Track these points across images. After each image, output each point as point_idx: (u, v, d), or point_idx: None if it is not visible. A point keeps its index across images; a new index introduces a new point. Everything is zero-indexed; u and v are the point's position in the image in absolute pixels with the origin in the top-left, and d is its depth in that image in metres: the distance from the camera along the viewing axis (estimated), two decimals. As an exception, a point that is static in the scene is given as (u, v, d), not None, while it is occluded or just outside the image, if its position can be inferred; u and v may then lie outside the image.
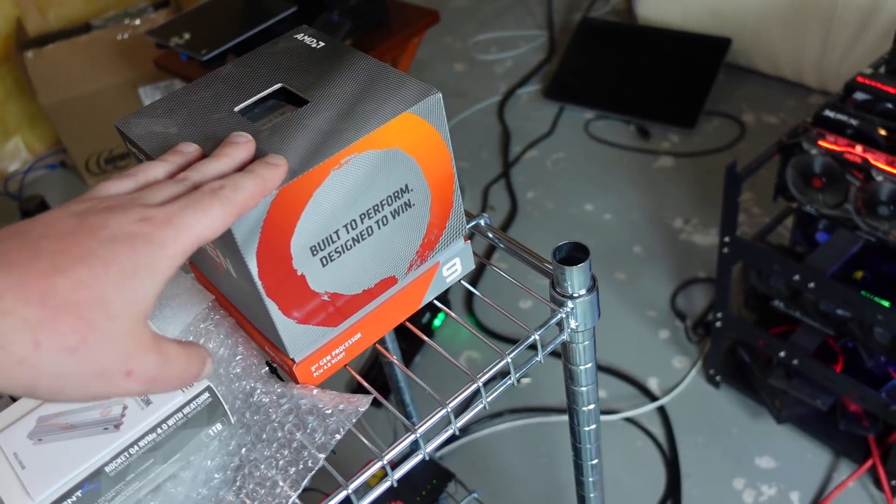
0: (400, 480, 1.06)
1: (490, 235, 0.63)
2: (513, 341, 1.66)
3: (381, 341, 0.69)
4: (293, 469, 0.46)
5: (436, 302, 0.58)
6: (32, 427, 0.45)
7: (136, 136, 0.49)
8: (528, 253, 0.59)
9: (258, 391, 0.50)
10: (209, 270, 0.53)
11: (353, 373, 0.54)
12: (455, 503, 1.05)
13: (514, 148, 2.20)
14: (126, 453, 0.44)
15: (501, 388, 0.53)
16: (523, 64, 2.51)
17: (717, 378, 1.49)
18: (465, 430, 1.52)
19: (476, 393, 0.52)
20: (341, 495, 0.46)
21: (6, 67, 2.38)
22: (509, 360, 0.53)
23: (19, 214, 2.14)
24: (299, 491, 0.46)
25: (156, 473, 0.46)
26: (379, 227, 0.49)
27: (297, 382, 0.51)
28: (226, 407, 0.48)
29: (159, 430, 0.45)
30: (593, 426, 0.66)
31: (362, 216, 0.48)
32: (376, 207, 0.48)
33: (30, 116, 2.48)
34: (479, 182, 2.10)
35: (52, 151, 2.54)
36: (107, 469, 0.43)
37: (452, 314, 0.57)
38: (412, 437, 0.50)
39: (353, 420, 0.48)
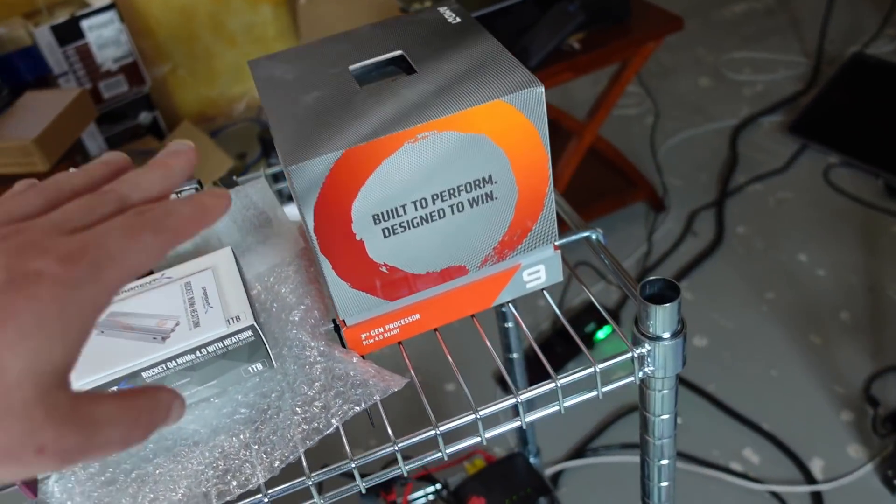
0: (494, 478, 1.04)
1: (599, 255, 0.59)
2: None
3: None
4: (307, 427, 0.46)
5: (605, 314, 0.55)
6: (101, 319, 0.49)
7: (256, 77, 0.51)
8: (630, 283, 0.54)
9: (306, 344, 0.50)
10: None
11: (404, 352, 0.53)
12: (545, 519, 1.01)
13: (737, 177, 2.04)
14: (164, 365, 0.47)
15: (546, 413, 0.50)
16: (775, 91, 2.31)
17: (896, 483, 1.29)
18: (595, 451, 1.46)
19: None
20: (430, 432, 0.47)
21: (282, 9, 2.62)
22: (597, 369, 0.49)
23: (258, 142, 2.37)
24: (303, 449, 0.46)
25: (191, 392, 0.49)
26: (453, 213, 0.47)
27: (344, 346, 0.51)
28: (269, 349, 0.49)
29: (198, 353, 0.47)
30: (665, 483, 0.60)
31: (434, 197, 0.46)
32: (452, 191, 0.46)
33: (291, 56, 2.72)
34: (688, 204, 1.98)
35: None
36: (144, 374, 0.46)
37: (619, 330, 0.52)
38: (512, 401, 0.48)
39: (379, 397, 0.47)
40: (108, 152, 0.35)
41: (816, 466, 1.38)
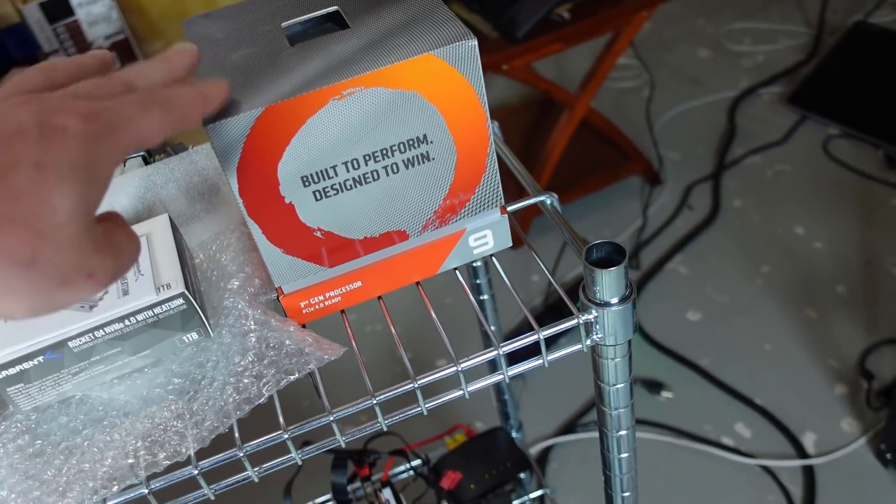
0: (474, 452, 1.03)
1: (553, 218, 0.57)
2: (671, 352, 1.54)
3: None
4: (238, 397, 0.45)
5: (552, 281, 0.53)
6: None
7: (188, 36, 0.49)
8: (579, 247, 0.52)
9: (242, 313, 0.49)
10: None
11: (346, 321, 0.51)
12: (525, 493, 1.00)
13: (734, 149, 2.01)
14: (91, 334, 0.45)
15: (529, 366, 0.49)
16: (775, 62, 2.26)
17: (889, 456, 1.27)
18: (585, 427, 1.45)
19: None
20: (408, 386, 0.46)
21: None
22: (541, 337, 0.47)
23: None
24: (234, 419, 0.44)
25: (123, 362, 0.47)
26: (387, 174, 0.45)
27: (284, 315, 0.50)
28: (204, 318, 0.48)
29: (127, 322, 0.46)
30: (625, 454, 0.58)
31: (367, 157, 0.44)
32: (385, 151, 0.45)
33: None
34: (685, 177, 1.95)
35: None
36: (70, 344, 0.45)
37: (566, 297, 0.50)
38: (494, 353, 0.47)
39: (314, 366, 0.46)
40: (95, 49, 0.39)
41: (809, 440, 1.36)
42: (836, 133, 1.98)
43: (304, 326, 0.50)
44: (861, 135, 1.94)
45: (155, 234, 0.50)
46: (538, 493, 0.99)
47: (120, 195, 0.56)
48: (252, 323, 0.48)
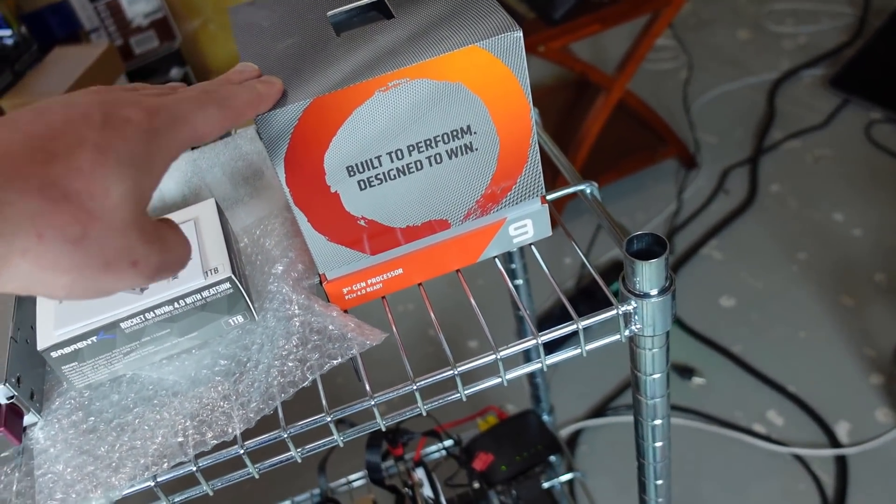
0: (505, 435, 1.04)
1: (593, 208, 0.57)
2: (704, 338, 1.54)
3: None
4: (282, 380, 0.46)
5: (591, 270, 0.53)
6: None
7: (234, 24, 0.50)
8: (620, 237, 0.52)
9: (287, 297, 0.50)
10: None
11: (387, 307, 0.52)
12: (555, 476, 1.01)
13: (773, 133, 1.97)
14: (142, 316, 0.47)
15: (567, 356, 0.49)
16: (818, 43, 2.22)
17: (924, 448, 1.26)
18: (616, 411, 1.45)
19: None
20: (448, 372, 0.47)
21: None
22: (580, 327, 0.48)
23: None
24: (279, 401, 0.46)
25: (172, 343, 0.49)
26: (431, 164, 0.46)
27: (327, 300, 0.51)
28: (249, 301, 0.49)
29: (176, 305, 0.47)
30: (660, 443, 0.58)
31: (410, 148, 0.45)
32: (429, 142, 0.45)
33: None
34: (721, 161, 1.93)
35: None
36: (122, 325, 0.47)
37: (605, 287, 0.50)
38: (533, 342, 0.48)
39: (357, 350, 0.47)
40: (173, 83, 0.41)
41: (842, 430, 1.35)
42: (879, 118, 1.94)
43: (346, 312, 0.51)
44: (905, 120, 1.90)
45: (202, 219, 0.51)
46: (568, 476, 1.00)
47: (168, 179, 0.58)
48: (296, 307, 0.49)
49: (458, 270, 0.53)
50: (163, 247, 0.35)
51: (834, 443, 1.33)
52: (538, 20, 1.59)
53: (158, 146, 0.34)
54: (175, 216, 0.52)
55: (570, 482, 1.21)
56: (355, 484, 1.00)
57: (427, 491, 0.84)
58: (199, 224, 0.51)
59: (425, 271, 0.52)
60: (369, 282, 0.51)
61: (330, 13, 0.48)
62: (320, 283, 0.52)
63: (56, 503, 0.42)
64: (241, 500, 1.02)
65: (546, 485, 0.98)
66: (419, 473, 0.86)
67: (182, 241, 0.38)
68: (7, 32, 1.79)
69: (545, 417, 1.10)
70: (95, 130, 0.32)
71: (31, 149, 0.31)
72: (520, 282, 0.91)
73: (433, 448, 1.04)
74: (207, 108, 0.36)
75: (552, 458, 1.01)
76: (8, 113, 0.33)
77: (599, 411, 1.45)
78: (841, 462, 1.30)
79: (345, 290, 0.51)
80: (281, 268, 0.52)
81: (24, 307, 0.51)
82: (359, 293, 0.51)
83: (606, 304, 0.49)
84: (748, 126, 2.02)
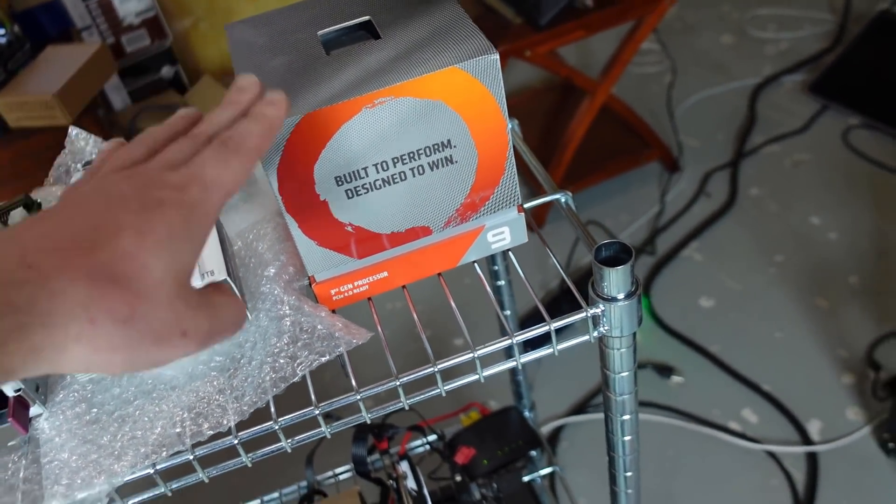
0: (487, 430, 1.07)
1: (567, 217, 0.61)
2: (683, 338, 1.58)
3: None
4: (275, 375, 0.49)
5: (565, 277, 0.57)
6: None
7: (231, 41, 0.53)
8: (591, 245, 0.56)
9: (278, 298, 0.53)
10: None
11: (373, 308, 0.55)
12: (535, 470, 1.05)
13: (754, 138, 2.02)
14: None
15: (540, 354, 0.53)
16: (799, 49, 2.27)
17: (891, 445, 1.31)
18: (597, 408, 1.49)
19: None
20: (429, 370, 0.50)
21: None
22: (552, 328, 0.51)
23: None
24: (271, 395, 0.49)
25: (170, 340, 0.52)
26: (414, 175, 0.49)
27: (316, 301, 0.54)
28: (244, 302, 0.52)
29: (175, 304, 0.50)
30: (628, 437, 0.62)
31: (395, 160, 0.48)
32: (412, 155, 0.48)
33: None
34: (703, 164, 1.97)
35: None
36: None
37: (575, 291, 0.53)
38: (508, 342, 0.51)
39: (343, 349, 0.50)
40: (182, 109, 0.43)
41: (814, 428, 1.39)
42: (857, 123, 1.99)
43: (333, 312, 0.54)
44: (882, 126, 1.95)
45: (199, 224, 0.54)
46: (548, 470, 1.04)
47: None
48: (287, 308, 0.52)
49: (439, 274, 0.56)
50: (211, 313, 0.37)
51: (806, 440, 1.37)
52: (525, 25, 1.63)
53: (195, 218, 0.36)
54: (173, 220, 0.55)
55: (551, 476, 1.24)
56: (342, 477, 1.04)
57: (411, 483, 0.88)
58: (196, 228, 0.54)
59: (409, 274, 0.55)
60: (356, 284, 0.54)
61: (320, 32, 0.52)
62: (309, 284, 0.55)
63: (62, 488, 0.46)
64: (231, 492, 1.05)
65: (526, 478, 1.02)
66: (403, 466, 0.90)
67: (232, 303, 0.40)
68: (0, 31, 1.81)
69: (527, 413, 1.13)
70: (133, 215, 0.34)
71: (76, 239, 0.33)
72: (502, 282, 0.95)
73: (417, 443, 1.07)
74: (231, 163, 0.38)
75: (533, 452, 1.04)
76: (44, 208, 0.36)
77: (580, 409, 1.49)
78: (812, 459, 1.35)
79: (332, 292, 0.54)
80: (273, 270, 0.55)
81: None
82: (346, 294, 0.54)
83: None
84: (730, 130, 2.06)
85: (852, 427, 1.38)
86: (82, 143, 0.72)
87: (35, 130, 1.78)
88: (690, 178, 1.95)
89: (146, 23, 2.33)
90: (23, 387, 0.49)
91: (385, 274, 0.54)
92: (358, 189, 0.49)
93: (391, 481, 0.91)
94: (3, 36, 1.80)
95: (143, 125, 2.23)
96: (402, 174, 0.49)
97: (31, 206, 0.67)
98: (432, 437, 1.07)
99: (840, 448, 1.35)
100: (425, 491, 0.88)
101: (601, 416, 1.48)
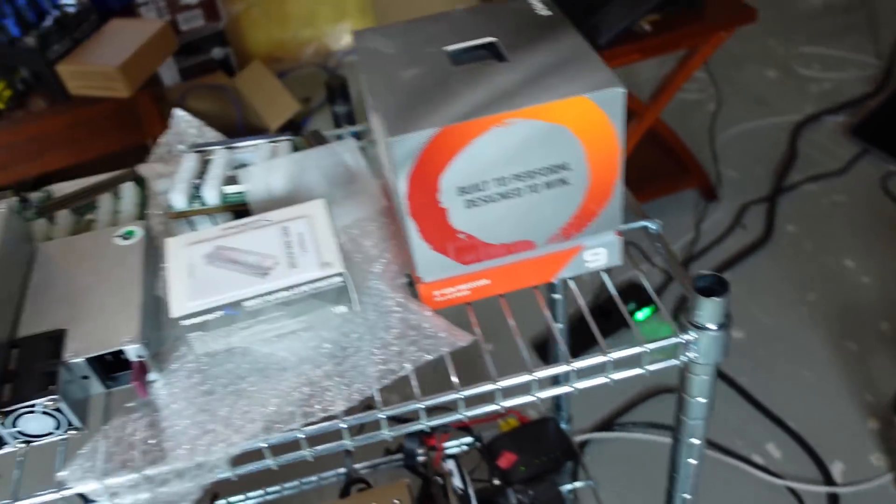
0: (526, 438, 1.10)
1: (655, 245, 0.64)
2: (705, 363, 1.60)
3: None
4: (382, 367, 0.53)
5: (655, 299, 0.60)
6: (210, 251, 0.56)
7: (359, 47, 0.56)
8: (684, 274, 0.59)
9: (385, 294, 0.57)
10: (389, 183, 0.60)
11: (471, 313, 0.59)
12: (568, 482, 1.07)
13: (793, 174, 2.05)
14: (263, 298, 0.53)
15: (594, 382, 0.55)
16: (843, 90, 2.29)
17: (912, 490, 1.33)
18: (623, 426, 1.52)
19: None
20: (490, 387, 0.53)
21: (365, -39, 2.66)
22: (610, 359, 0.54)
23: (325, 88, 2.42)
24: (379, 386, 0.52)
25: (283, 324, 0.55)
26: (528, 192, 0.53)
27: (420, 300, 0.57)
28: (354, 295, 0.55)
29: (293, 291, 0.53)
30: (693, 461, 0.65)
31: (515, 176, 0.52)
32: (530, 173, 0.52)
33: (362, 9, 2.76)
34: (740, 196, 1.99)
35: (371, 45, 2.81)
36: (244, 304, 0.53)
37: (667, 315, 0.57)
38: (566, 368, 0.54)
39: (446, 350, 0.53)
40: None
41: (837, 469, 1.42)
42: (897, 171, 2.01)
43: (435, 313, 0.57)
44: (921, 175, 1.97)
45: (315, 217, 0.57)
46: (583, 483, 1.07)
47: (276, 175, 0.64)
48: (394, 304, 0.56)
49: (534, 287, 0.59)
50: None
51: (828, 481, 1.40)
52: (583, 46, 1.66)
53: None
54: (288, 212, 0.58)
55: (575, 490, 1.27)
56: (380, 468, 1.07)
57: (457, 482, 0.91)
58: (313, 220, 0.57)
59: (507, 284, 0.58)
60: (458, 288, 0.57)
61: (447, 48, 0.55)
62: (410, 283, 0.59)
63: (184, 452, 0.49)
64: (270, 472, 1.08)
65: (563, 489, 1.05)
66: (450, 464, 0.93)
67: None
68: (70, 0, 1.85)
69: (563, 425, 1.16)
70: None
71: None
72: (558, 296, 0.98)
73: (454, 442, 1.10)
74: None
75: (569, 464, 1.07)
76: None
77: (606, 426, 1.52)
78: (833, 500, 1.37)
79: (436, 293, 0.57)
80: (379, 267, 0.58)
81: (148, 279, 0.58)
82: (448, 297, 0.58)
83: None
84: (769, 164, 2.09)
85: (875, 473, 1.40)
86: (184, 125, 0.76)
87: (95, 100, 1.82)
88: (727, 208, 1.97)
89: (202, 3, 2.37)
90: (147, 353, 0.53)
91: (486, 282, 0.57)
92: (476, 200, 0.52)
93: (437, 477, 0.94)
94: (72, 5, 1.84)
95: (192, 103, 2.28)
96: (519, 190, 0.52)
97: (142, 182, 0.71)
98: (468, 439, 1.10)
99: (862, 492, 1.37)
100: (471, 490, 0.91)
101: (627, 436, 1.51)
